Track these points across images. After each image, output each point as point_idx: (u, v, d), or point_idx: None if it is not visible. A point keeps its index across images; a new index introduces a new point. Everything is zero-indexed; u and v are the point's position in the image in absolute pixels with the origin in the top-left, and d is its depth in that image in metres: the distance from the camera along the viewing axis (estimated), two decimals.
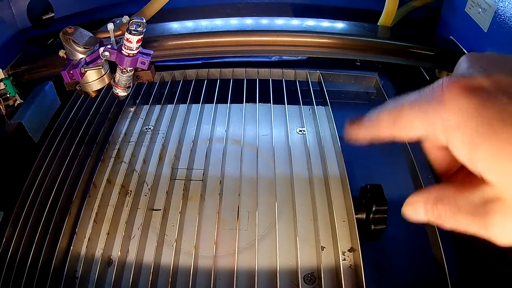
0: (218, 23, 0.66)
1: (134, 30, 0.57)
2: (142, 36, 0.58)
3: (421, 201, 0.25)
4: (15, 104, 0.75)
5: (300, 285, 0.51)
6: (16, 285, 0.57)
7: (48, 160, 0.67)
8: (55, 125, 0.72)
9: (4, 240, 0.61)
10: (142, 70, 0.63)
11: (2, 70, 0.72)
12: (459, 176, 0.26)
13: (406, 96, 0.23)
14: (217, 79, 0.75)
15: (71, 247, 0.57)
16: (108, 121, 0.71)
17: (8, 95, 0.74)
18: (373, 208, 0.59)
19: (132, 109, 0.74)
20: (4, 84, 0.72)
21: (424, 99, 0.22)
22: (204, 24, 0.66)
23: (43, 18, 0.82)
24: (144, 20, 0.57)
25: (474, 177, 0.22)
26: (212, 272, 0.52)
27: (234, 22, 0.66)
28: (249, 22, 0.67)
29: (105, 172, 0.65)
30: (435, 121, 0.21)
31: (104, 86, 0.63)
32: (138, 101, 0.75)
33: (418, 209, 0.25)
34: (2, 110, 0.74)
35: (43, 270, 0.58)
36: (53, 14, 0.81)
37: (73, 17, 0.83)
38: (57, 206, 0.63)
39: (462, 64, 0.23)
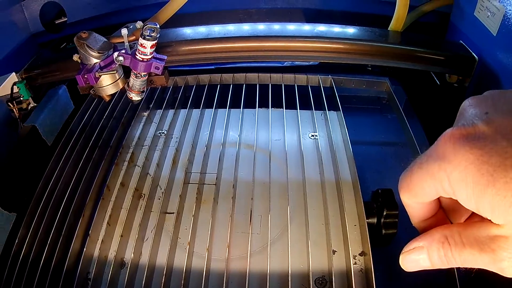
0: (231, 28, 0.67)
1: (148, 36, 0.58)
2: (156, 41, 0.59)
3: (424, 245, 0.25)
4: (29, 108, 0.76)
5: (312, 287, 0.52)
6: (28, 286, 0.58)
7: (62, 163, 0.68)
8: (69, 129, 0.72)
9: (16, 241, 0.62)
10: (156, 75, 0.63)
11: (16, 73, 0.73)
12: (463, 216, 0.27)
13: (416, 159, 0.24)
14: (230, 84, 0.76)
15: (84, 249, 0.58)
16: (122, 125, 0.72)
17: (21, 99, 0.75)
18: (384, 213, 0.59)
19: (146, 114, 0.75)
20: (17, 87, 0.73)
21: (430, 158, 0.22)
22: (217, 29, 0.67)
23: (56, 22, 0.83)
24: (158, 26, 0.58)
25: (479, 216, 0.22)
26: (225, 275, 0.53)
27: (246, 28, 0.67)
28: (261, 27, 0.67)
29: (118, 175, 0.65)
30: (442, 178, 0.22)
31: (118, 91, 0.64)
32: (151, 105, 0.75)
33: (421, 255, 0.25)
34: (16, 113, 0.75)
35: (55, 271, 0.59)
36: (66, 19, 0.82)
37: (85, 22, 0.84)
38: (71, 208, 0.64)
39: (465, 112, 0.23)
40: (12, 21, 0.78)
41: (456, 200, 0.23)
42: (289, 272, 0.52)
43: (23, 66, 0.76)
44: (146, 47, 0.58)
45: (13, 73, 0.72)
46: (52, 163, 0.69)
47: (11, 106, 0.74)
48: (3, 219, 0.64)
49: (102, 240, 0.59)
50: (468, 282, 0.54)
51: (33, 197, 0.66)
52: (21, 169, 0.70)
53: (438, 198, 0.26)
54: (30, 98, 0.74)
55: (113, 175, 0.65)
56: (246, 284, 0.52)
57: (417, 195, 0.24)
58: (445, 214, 0.28)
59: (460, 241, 0.23)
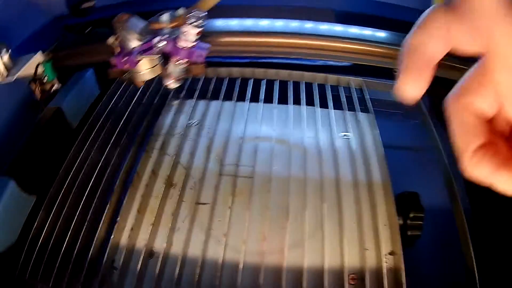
0: (279, 24, 0.67)
1: (193, 23, 0.57)
2: (201, 29, 0.58)
3: None
4: (52, 89, 0.74)
5: (345, 285, 0.52)
6: (47, 272, 0.56)
7: (87, 146, 0.66)
8: (95, 112, 0.70)
9: (35, 224, 0.60)
10: (195, 63, 0.63)
11: (42, 53, 0.71)
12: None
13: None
14: (263, 79, 0.76)
15: (112, 236, 0.56)
16: (151, 112, 0.71)
17: (45, 80, 0.72)
18: (411, 215, 0.60)
19: (176, 103, 0.74)
20: (43, 67, 0.71)
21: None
22: (262, 23, 0.67)
23: (82, 6, 0.81)
24: (205, 13, 0.57)
25: None
26: (261, 269, 0.52)
27: (294, 25, 0.67)
28: (308, 26, 0.68)
29: (148, 162, 0.64)
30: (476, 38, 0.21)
31: (154, 77, 0.63)
32: (182, 95, 0.74)
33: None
34: (38, 94, 0.73)
35: (78, 258, 0.57)
36: (93, 3, 0.81)
37: (113, 7, 0.83)
38: (97, 193, 0.62)
39: None
40: (36, 2, 0.76)
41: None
42: (325, 268, 0.53)
43: (45, 47, 0.74)
44: (191, 34, 0.58)
45: (39, 53, 0.70)
46: (77, 146, 0.67)
47: (34, 86, 0.72)
48: (22, 201, 0.62)
49: (131, 228, 0.58)
50: (489, 284, 0.55)
51: (55, 180, 0.64)
52: (42, 151, 0.67)
53: None
54: (55, 79, 0.72)
55: (143, 162, 0.64)
56: (283, 279, 0.52)
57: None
58: None
59: None
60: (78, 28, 0.83)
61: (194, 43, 0.59)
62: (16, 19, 0.72)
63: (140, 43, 0.60)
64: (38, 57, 0.70)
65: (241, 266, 0.53)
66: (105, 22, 0.84)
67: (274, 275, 0.54)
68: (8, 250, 0.58)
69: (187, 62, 0.61)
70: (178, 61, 0.60)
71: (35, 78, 0.71)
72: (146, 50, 0.60)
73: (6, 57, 0.66)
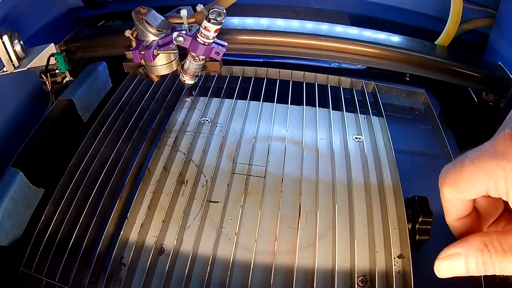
0: (295, 24, 0.66)
1: (213, 19, 0.57)
2: (220, 26, 0.57)
3: (462, 252, 0.24)
4: (63, 82, 0.73)
5: (355, 286, 0.52)
6: (53, 267, 0.55)
7: (98, 141, 0.65)
8: (106, 107, 0.70)
9: (43, 218, 0.59)
10: (212, 60, 0.62)
11: (55, 44, 0.70)
12: (500, 225, 0.26)
13: (466, 153, 0.23)
14: (276, 79, 0.75)
15: (121, 232, 0.56)
16: (164, 109, 0.70)
17: (57, 71, 0.72)
18: (420, 219, 0.60)
19: (189, 100, 0.73)
20: (55, 59, 0.70)
21: (486, 154, 0.22)
22: (279, 23, 0.67)
23: None
24: (225, 11, 0.57)
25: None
26: (273, 268, 0.52)
27: (310, 26, 0.67)
28: (324, 27, 0.67)
29: (160, 159, 0.63)
30: (498, 176, 0.21)
31: (170, 72, 0.62)
32: (195, 92, 0.74)
33: (458, 261, 0.24)
34: (48, 86, 0.72)
35: (85, 253, 0.56)
36: None
37: (127, 1, 0.82)
38: (106, 189, 0.61)
39: None
40: None
41: (490, 202, 0.23)
42: (336, 269, 0.52)
43: (57, 40, 0.73)
44: (210, 30, 0.57)
45: (52, 44, 0.69)
46: (87, 140, 0.66)
47: (44, 78, 0.71)
48: (30, 194, 0.61)
49: (141, 225, 0.57)
50: None
51: (64, 174, 0.63)
52: (52, 143, 0.66)
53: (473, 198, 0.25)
54: (67, 71, 0.71)
55: (154, 158, 0.63)
56: (294, 278, 0.51)
57: (464, 190, 0.23)
58: (477, 214, 0.27)
59: (501, 248, 0.22)
60: (90, 21, 0.83)
61: (212, 40, 0.58)
62: (30, 9, 0.72)
63: (158, 37, 0.59)
64: (51, 48, 0.69)
65: (252, 265, 0.52)
66: (118, 16, 0.84)
67: (285, 274, 0.53)
68: (14, 243, 0.57)
69: (204, 59, 0.61)
70: (195, 57, 0.60)
71: (47, 70, 0.70)
72: (164, 44, 0.60)
73: (18, 47, 0.65)
